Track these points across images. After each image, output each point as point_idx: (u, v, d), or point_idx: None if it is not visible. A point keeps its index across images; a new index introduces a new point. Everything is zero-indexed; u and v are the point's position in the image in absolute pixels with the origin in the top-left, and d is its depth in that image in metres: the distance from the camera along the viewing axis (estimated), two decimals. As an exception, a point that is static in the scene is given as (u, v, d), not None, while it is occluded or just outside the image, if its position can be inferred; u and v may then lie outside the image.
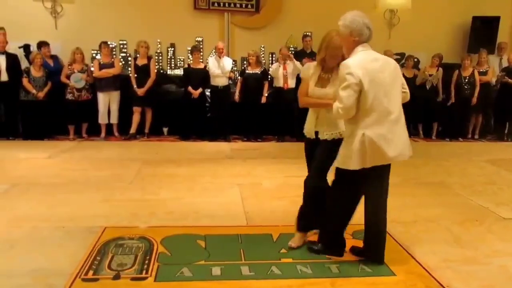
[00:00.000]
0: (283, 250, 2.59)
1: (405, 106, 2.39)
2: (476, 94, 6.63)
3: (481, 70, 6.75)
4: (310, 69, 2.56)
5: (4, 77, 5.81)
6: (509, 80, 6.69)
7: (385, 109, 2.22)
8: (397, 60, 7.52)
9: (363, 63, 2.20)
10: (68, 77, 6.00)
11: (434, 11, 7.50)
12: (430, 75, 6.79)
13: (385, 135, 2.21)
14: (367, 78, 2.17)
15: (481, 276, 2.37)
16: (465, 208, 3.50)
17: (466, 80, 6.69)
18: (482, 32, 7.35)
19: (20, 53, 6.35)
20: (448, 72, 6.85)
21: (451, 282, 2.29)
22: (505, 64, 7.12)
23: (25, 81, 5.85)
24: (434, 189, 3.98)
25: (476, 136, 7.01)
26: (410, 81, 6.88)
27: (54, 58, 6.34)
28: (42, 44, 6.21)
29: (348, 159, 2.25)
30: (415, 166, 4.70)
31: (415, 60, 7.05)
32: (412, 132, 7.05)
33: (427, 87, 6.77)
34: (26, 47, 6.48)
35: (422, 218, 3.18)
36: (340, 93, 2.19)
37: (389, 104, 2.23)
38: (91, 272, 2.29)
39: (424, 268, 2.44)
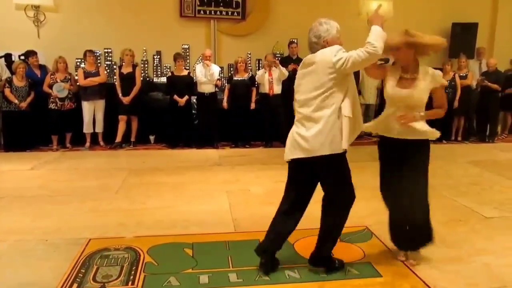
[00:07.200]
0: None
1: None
2: (457, 97, 6.79)
3: (461, 74, 6.91)
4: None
5: None
6: (488, 83, 6.88)
7: None
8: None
9: None
10: (50, 86, 5.92)
11: (415, 18, 7.64)
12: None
13: None
14: None
15: (466, 274, 2.42)
16: (449, 209, 3.57)
17: (448, 84, 6.84)
18: (462, 38, 7.57)
19: (1, 63, 6.24)
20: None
21: (437, 282, 2.32)
22: (484, 68, 7.32)
23: (7, 91, 5.74)
24: (419, 191, 4.03)
25: (459, 138, 7.16)
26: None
27: (42, 68, 6.25)
28: (30, 54, 6.11)
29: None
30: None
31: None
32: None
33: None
34: (8, 57, 6.38)
35: (407, 220, 3.22)
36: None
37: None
38: (75, 285, 2.25)
39: (409, 268, 2.47)
